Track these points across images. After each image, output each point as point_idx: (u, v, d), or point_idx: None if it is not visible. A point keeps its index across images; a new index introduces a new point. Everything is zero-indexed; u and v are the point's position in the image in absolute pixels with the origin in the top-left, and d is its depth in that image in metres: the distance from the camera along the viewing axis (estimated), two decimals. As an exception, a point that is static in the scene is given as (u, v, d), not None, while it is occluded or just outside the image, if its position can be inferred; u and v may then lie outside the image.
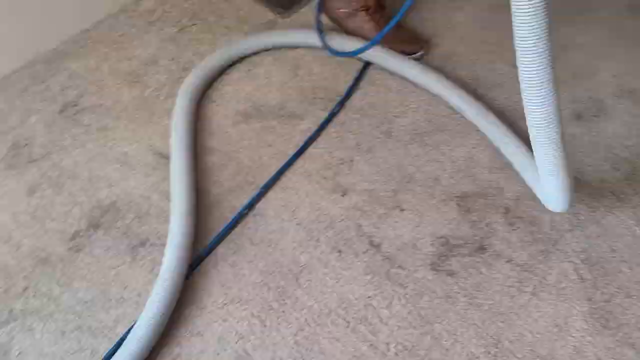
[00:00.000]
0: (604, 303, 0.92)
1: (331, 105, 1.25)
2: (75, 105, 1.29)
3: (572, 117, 1.21)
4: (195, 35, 1.42)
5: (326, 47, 1.30)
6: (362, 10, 1.35)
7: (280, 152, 1.17)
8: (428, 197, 1.08)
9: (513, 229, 1.02)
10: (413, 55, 1.34)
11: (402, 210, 1.07)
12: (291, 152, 1.17)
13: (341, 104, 1.26)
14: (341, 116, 1.24)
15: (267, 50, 1.37)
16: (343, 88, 1.28)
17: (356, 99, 1.27)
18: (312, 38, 1.33)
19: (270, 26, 1.44)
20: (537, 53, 0.77)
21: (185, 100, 1.23)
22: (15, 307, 0.97)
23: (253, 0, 1.50)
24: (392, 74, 1.30)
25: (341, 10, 1.37)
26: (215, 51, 1.34)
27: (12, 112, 1.29)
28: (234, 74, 1.34)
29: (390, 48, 1.33)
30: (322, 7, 1.37)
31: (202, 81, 1.29)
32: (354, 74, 1.31)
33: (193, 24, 1.44)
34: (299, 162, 1.16)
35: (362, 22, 1.36)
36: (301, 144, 1.18)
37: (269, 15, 1.46)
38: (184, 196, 1.06)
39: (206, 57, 1.33)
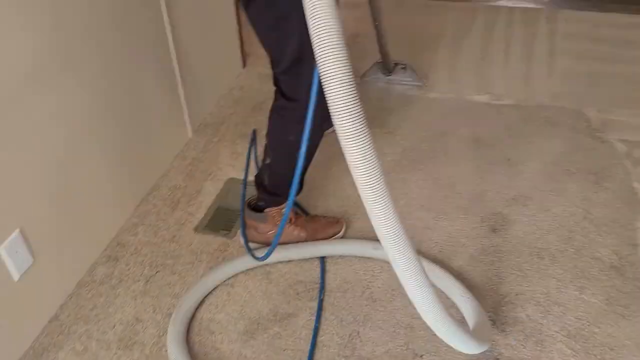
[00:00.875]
0: None
1: (315, 294, 1.45)
2: (81, 392, 1.29)
3: (489, 231, 1.57)
4: (162, 281, 1.53)
5: (254, 257, 1.50)
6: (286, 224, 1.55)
7: (297, 351, 1.32)
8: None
9: None
10: (337, 235, 1.63)
11: (421, 356, 1.28)
12: (306, 347, 1.32)
13: (322, 289, 1.47)
14: (328, 299, 1.44)
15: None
16: (315, 275, 1.50)
17: (330, 280, 1.49)
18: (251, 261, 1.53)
19: (223, 247, 1.62)
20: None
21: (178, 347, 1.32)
22: None
23: (195, 232, 1.68)
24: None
25: (270, 232, 1.58)
26: (190, 290, 1.47)
27: None
28: (217, 301, 1.47)
29: (318, 238, 1.60)
30: (245, 236, 1.59)
31: (187, 321, 1.40)
32: (318, 261, 1.54)
33: (156, 272, 1.56)
34: (317, 353, 1.32)
35: (290, 233, 1.57)
36: (311, 337, 1.34)
37: (218, 238, 1.65)
38: None
39: (182, 299, 1.45)
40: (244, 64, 2.50)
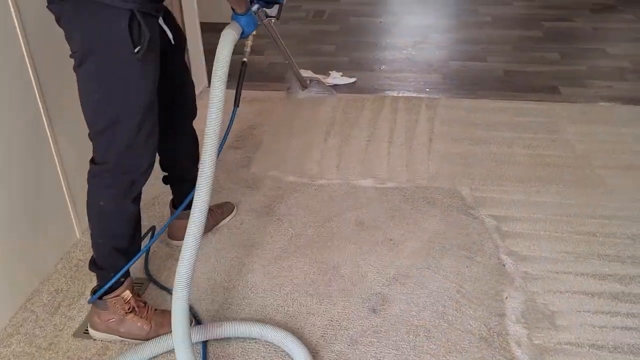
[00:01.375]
0: None
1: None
2: None
3: (370, 312, 1.64)
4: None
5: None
6: (129, 312, 1.58)
7: None
8: None
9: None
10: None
11: None
12: None
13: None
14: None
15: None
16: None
17: None
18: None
19: (102, 351, 1.58)
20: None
21: None
22: None
23: (74, 337, 1.63)
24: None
25: (111, 320, 1.57)
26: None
27: None
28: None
29: (161, 333, 1.61)
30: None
31: None
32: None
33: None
34: None
35: (132, 324, 1.58)
36: None
37: (97, 342, 1.61)
38: None
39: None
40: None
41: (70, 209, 1.98)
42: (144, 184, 1.53)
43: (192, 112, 1.83)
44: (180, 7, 2.86)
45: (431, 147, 2.61)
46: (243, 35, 1.59)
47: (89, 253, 1.96)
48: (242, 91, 1.71)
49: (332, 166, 2.48)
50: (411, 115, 2.89)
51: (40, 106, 1.77)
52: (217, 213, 2.09)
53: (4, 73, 1.61)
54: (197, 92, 3.14)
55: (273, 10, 1.84)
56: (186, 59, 2.16)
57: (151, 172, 1.53)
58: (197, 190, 1.42)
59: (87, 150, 1.50)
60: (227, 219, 2.13)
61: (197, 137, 1.86)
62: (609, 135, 2.70)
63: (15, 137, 1.68)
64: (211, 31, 4.08)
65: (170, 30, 1.55)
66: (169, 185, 1.93)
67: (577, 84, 3.26)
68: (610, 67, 3.47)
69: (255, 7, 1.75)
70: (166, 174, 1.90)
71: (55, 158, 1.87)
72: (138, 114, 1.40)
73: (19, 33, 1.64)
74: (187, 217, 1.43)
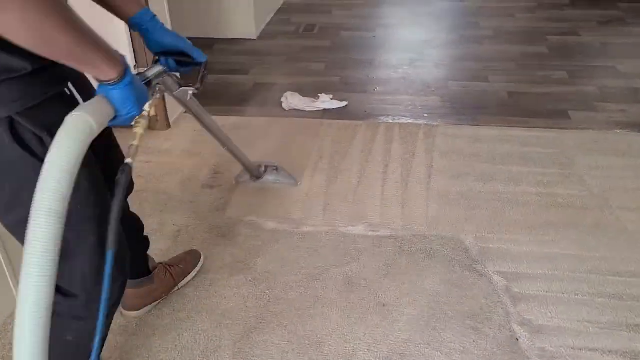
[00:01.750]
0: None
1: None
2: None
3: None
4: None
5: None
6: None
7: None
8: None
9: None
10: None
11: None
12: None
13: None
14: None
15: None
16: None
17: None
18: None
19: None
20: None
21: None
22: None
23: None
24: None
25: None
26: None
27: None
28: None
29: None
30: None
31: None
32: None
33: None
34: None
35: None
36: None
37: None
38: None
39: None
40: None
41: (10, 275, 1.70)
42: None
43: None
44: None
45: (430, 185, 2.32)
46: (114, 122, 0.99)
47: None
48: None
49: (318, 209, 2.20)
50: (407, 145, 2.61)
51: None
52: (177, 270, 1.80)
53: None
54: (172, 117, 2.88)
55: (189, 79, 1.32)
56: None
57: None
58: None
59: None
60: (192, 274, 1.86)
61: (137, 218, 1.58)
62: (626, 169, 2.42)
63: None
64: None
65: (84, 93, 1.05)
66: None
67: (587, 108, 2.98)
68: (622, 87, 3.20)
69: (156, 69, 1.22)
70: None
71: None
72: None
73: None
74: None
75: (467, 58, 3.65)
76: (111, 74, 0.93)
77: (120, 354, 1.60)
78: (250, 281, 1.84)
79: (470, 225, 2.09)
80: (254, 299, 1.78)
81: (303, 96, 3.11)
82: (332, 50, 3.86)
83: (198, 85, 1.36)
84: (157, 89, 1.23)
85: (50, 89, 0.96)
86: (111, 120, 0.97)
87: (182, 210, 2.19)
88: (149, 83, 1.20)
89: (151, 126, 2.79)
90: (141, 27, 1.22)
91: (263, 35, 4.13)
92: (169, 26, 2.97)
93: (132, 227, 1.52)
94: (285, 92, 3.14)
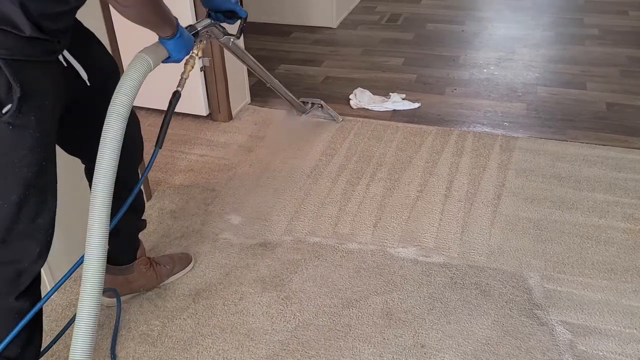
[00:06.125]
0: None
1: None
2: None
3: None
4: None
5: None
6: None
7: None
8: None
9: None
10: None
11: None
12: None
13: None
14: None
15: None
16: None
17: None
18: None
19: None
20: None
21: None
22: None
23: None
24: None
25: None
26: None
27: None
28: None
29: None
30: None
31: None
32: None
33: None
34: None
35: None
36: None
37: None
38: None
39: None
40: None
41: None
42: (37, 272, 1.19)
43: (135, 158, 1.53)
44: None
45: (498, 208, 2.07)
46: (169, 61, 1.31)
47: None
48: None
49: (368, 224, 2.02)
50: (479, 159, 2.36)
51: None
52: (163, 269, 1.75)
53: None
54: (235, 109, 2.80)
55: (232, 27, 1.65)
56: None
57: (45, 258, 1.19)
58: (86, 262, 1.12)
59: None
60: (178, 275, 1.80)
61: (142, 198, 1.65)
62: None
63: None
64: (255, 33, 3.73)
65: (89, 67, 1.23)
66: None
67: (702, 128, 2.56)
68: None
69: (204, 22, 1.52)
70: None
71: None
72: (15, 191, 1.06)
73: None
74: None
75: (563, 60, 3.27)
76: (168, 33, 1.25)
77: (137, 365, 1.54)
78: (282, 300, 1.72)
79: (538, 261, 1.83)
80: (282, 320, 1.65)
81: (374, 94, 2.92)
82: (414, 43, 3.62)
83: (238, 35, 1.71)
84: (206, 36, 1.55)
85: (39, 56, 1.06)
86: (165, 60, 1.29)
87: (226, 211, 2.11)
88: (196, 33, 1.44)
89: (213, 117, 2.73)
90: None
91: (343, 24, 3.96)
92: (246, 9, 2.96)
93: (135, 205, 1.52)
94: (356, 88, 2.96)
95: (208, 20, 1.55)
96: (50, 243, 1.18)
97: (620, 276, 1.77)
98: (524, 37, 3.61)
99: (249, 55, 2.09)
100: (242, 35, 1.78)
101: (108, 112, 1.13)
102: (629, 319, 1.62)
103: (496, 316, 1.64)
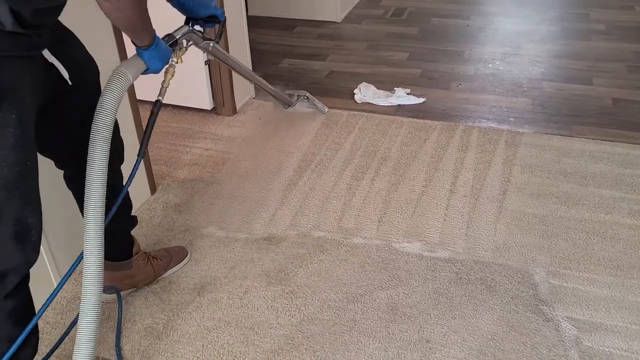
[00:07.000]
0: None
1: None
2: None
3: None
4: None
5: None
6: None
7: None
8: None
9: None
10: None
11: None
12: None
13: None
14: None
15: None
16: None
17: None
18: None
19: None
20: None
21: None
22: None
23: None
24: None
25: None
26: None
27: None
28: None
29: None
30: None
31: None
32: None
33: None
34: None
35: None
36: None
37: None
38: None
39: None
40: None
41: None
42: (25, 273, 1.17)
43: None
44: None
45: (503, 204, 2.07)
46: (147, 72, 1.32)
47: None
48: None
49: (373, 219, 2.02)
50: (485, 154, 2.35)
51: None
52: (160, 263, 1.75)
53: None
54: (240, 104, 2.80)
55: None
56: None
57: (35, 258, 1.15)
58: (86, 263, 1.19)
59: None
60: (174, 268, 1.80)
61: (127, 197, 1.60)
62: None
63: None
64: (259, 27, 3.72)
65: (70, 66, 1.22)
66: None
67: None
68: None
69: (183, 30, 1.51)
70: None
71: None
72: None
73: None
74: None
75: (569, 55, 3.25)
76: (145, 42, 1.26)
77: (141, 357, 1.54)
78: (287, 294, 1.72)
79: (544, 257, 1.83)
80: (286, 315, 1.65)
81: (378, 88, 2.91)
82: (419, 38, 3.60)
83: (217, 38, 1.73)
84: (184, 44, 1.52)
85: (18, 51, 1.03)
86: (144, 72, 1.30)
87: (230, 207, 2.10)
88: (175, 42, 1.46)
89: (217, 111, 2.72)
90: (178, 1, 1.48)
91: (348, 18, 3.94)
92: (250, 6, 2.96)
93: (123, 206, 1.49)
94: (361, 82, 2.95)
95: (186, 28, 1.53)
96: (39, 243, 1.14)
97: (626, 272, 1.76)
98: (529, 32, 3.59)
99: (230, 56, 2.06)
100: (223, 34, 1.80)
101: (92, 134, 1.18)
102: (635, 315, 1.61)
103: (501, 312, 1.64)
